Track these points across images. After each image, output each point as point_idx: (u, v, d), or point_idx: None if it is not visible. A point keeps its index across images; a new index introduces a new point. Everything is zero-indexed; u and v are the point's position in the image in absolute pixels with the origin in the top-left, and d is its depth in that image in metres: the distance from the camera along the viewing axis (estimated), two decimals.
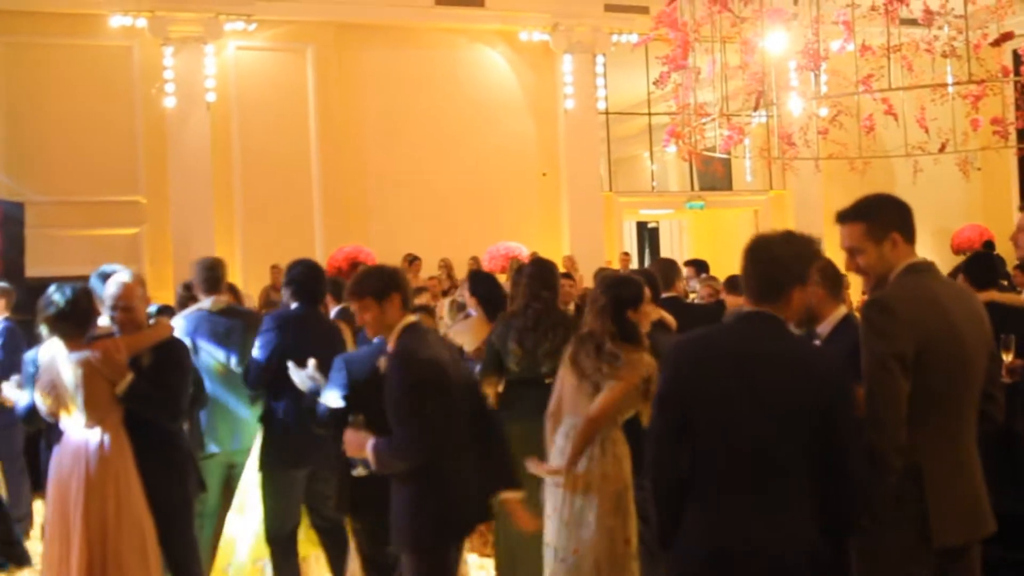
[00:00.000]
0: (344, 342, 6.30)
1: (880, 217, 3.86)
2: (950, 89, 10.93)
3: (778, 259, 3.57)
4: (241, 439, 6.52)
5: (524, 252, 16.23)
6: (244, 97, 17.86)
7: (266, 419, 6.15)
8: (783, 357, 3.50)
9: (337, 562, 6.14)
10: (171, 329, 5.77)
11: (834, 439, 3.41)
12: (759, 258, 3.61)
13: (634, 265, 19.83)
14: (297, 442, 5.94)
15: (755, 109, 11.76)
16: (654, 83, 11.97)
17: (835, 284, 4.55)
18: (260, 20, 17.67)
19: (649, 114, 20.68)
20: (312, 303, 6.32)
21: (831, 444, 3.41)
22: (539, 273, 6.56)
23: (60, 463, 5.31)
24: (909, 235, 3.85)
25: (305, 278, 6.30)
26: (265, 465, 6.14)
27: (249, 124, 17.84)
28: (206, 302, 6.74)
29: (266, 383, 6.08)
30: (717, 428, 3.48)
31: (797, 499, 3.44)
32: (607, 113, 20.16)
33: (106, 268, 6.08)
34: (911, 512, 3.60)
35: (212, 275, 6.79)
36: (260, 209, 17.64)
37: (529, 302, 6.42)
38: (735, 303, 9.04)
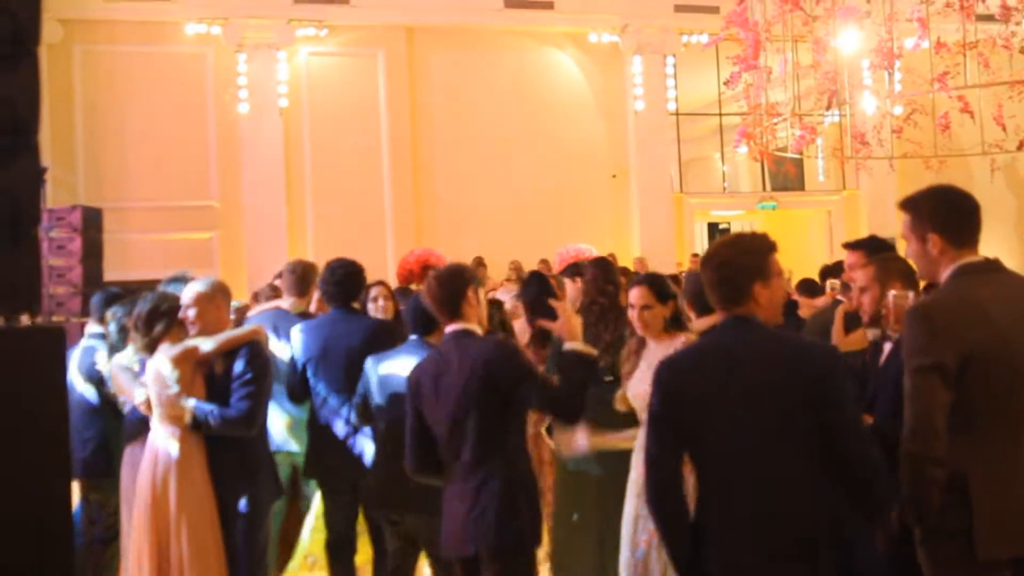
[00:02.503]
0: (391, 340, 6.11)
1: (921, 214, 3.76)
2: None
3: (727, 261, 3.56)
4: (302, 439, 6.50)
5: (594, 253, 16.17)
6: (316, 102, 18.05)
7: (310, 426, 6.20)
8: (772, 355, 3.46)
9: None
10: (253, 334, 5.53)
11: (833, 430, 3.36)
12: (710, 265, 3.60)
13: None
14: (339, 451, 5.99)
15: (828, 108, 11.65)
16: (725, 83, 11.91)
17: (911, 283, 4.46)
18: (331, 26, 17.85)
19: (720, 114, 20.54)
20: (342, 304, 6.25)
21: (831, 435, 3.36)
22: (602, 270, 6.56)
23: (139, 462, 5.38)
24: (956, 237, 3.68)
25: (328, 281, 6.29)
26: (312, 472, 6.20)
27: (320, 129, 18.01)
28: (286, 302, 6.78)
29: (300, 393, 6.17)
30: (718, 438, 3.45)
31: (809, 495, 3.39)
32: (677, 114, 20.06)
33: (177, 274, 6.16)
34: (958, 524, 3.52)
35: (302, 279, 6.80)
36: (331, 213, 17.80)
37: (595, 298, 6.41)
38: (808, 304, 8.96)
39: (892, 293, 4.27)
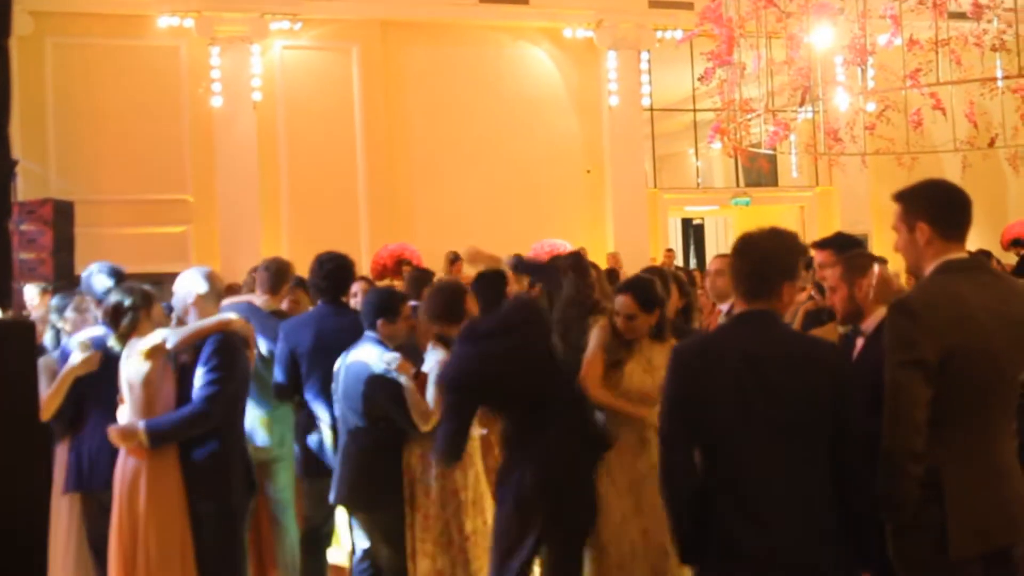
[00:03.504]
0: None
1: (913, 203, 3.78)
2: (999, 83, 10.80)
3: (767, 256, 3.61)
4: (261, 436, 6.44)
5: (568, 248, 16.20)
6: (290, 96, 17.99)
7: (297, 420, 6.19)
8: (790, 353, 3.54)
9: None
10: (220, 325, 5.36)
11: (843, 430, 3.48)
12: (747, 256, 3.65)
13: (679, 262, 19.77)
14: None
15: (801, 104, 11.68)
16: (699, 79, 11.91)
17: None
18: (306, 19, 17.78)
19: (694, 110, 20.60)
20: (331, 299, 6.21)
21: (840, 435, 3.48)
22: (578, 267, 6.56)
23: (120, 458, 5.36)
24: (945, 229, 3.71)
25: (317, 275, 6.25)
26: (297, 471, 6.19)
27: (295, 123, 17.96)
28: (258, 299, 6.71)
29: (289, 389, 6.13)
30: (730, 429, 3.51)
31: (819, 494, 3.49)
32: (652, 110, 20.09)
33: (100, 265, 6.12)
34: (932, 519, 3.55)
35: (276, 276, 6.71)
36: (306, 207, 17.75)
37: (574, 296, 6.41)
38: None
39: (877, 266, 4.34)
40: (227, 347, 5.26)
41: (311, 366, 6.01)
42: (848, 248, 5.15)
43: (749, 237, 3.69)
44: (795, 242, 3.72)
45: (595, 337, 5.38)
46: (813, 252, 5.48)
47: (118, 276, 6.20)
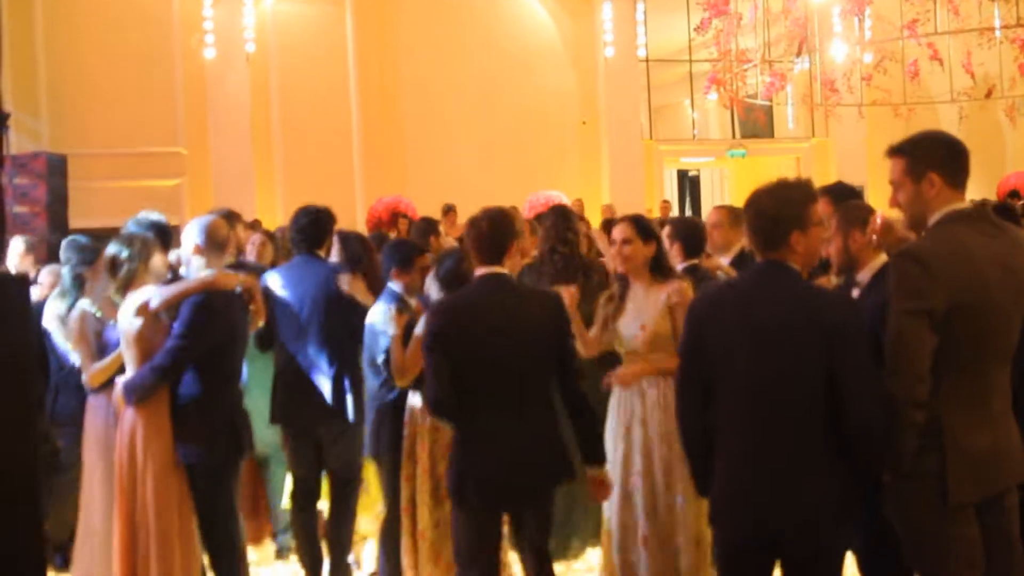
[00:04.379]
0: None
1: (921, 154, 3.77)
2: (997, 33, 10.77)
3: (767, 209, 3.71)
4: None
5: (564, 200, 16.18)
6: (284, 48, 17.87)
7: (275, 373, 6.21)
8: (791, 301, 3.63)
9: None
10: (202, 284, 5.17)
11: (843, 381, 3.52)
12: (753, 211, 3.76)
13: (675, 214, 19.74)
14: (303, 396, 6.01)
15: (797, 55, 11.64)
16: (695, 29, 11.90)
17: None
18: None
19: (690, 61, 20.49)
20: (306, 251, 6.23)
21: (840, 387, 3.53)
22: (561, 217, 6.53)
23: (102, 416, 5.34)
24: (953, 177, 3.71)
25: (292, 228, 6.23)
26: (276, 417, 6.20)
27: (289, 75, 17.85)
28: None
29: (268, 342, 6.16)
30: (732, 374, 3.64)
31: (814, 443, 3.57)
32: (647, 61, 19.99)
33: (139, 217, 6.04)
34: (931, 467, 3.58)
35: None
36: (300, 160, 17.68)
37: (555, 246, 6.39)
38: None
39: (881, 213, 4.36)
40: (201, 306, 5.11)
41: (284, 317, 6.06)
42: (845, 198, 5.13)
43: (755, 192, 3.80)
44: (799, 192, 3.77)
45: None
46: None
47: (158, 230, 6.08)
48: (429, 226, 8.58)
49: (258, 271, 6.48)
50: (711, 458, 3.74)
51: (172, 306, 5.14)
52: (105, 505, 5.35)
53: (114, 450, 5.18)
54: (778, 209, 3.68)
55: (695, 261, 5.94)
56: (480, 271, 4.45)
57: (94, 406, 5.50)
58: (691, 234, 6.05)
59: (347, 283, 5.86)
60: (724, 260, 6.40)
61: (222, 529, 5.27)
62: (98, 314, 5.56)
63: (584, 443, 4.57)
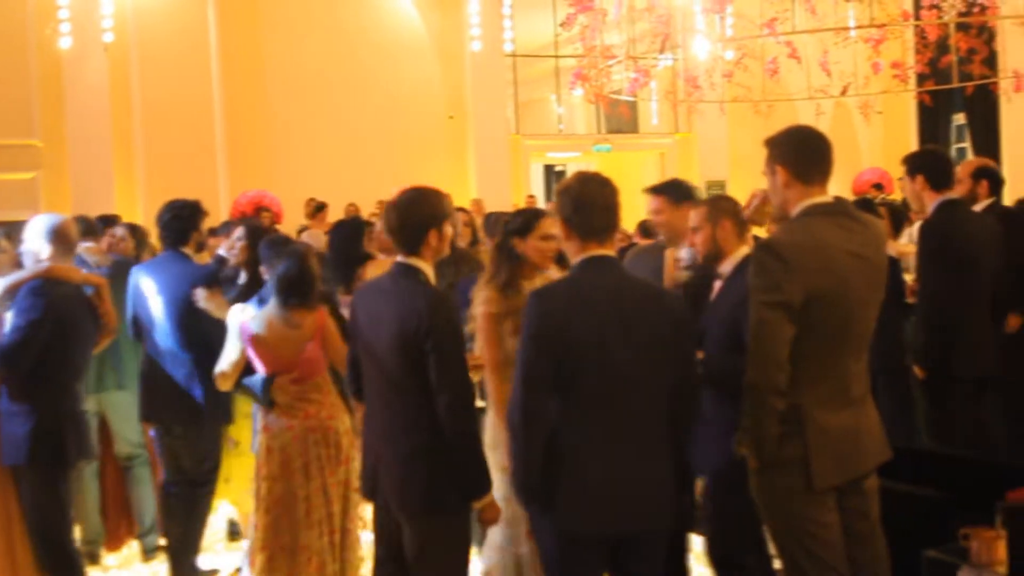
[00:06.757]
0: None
1: (772, 147, 3.90)
2: (852, 33, 11.06)
3: (600, 202, 3.81)
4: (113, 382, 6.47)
5: None
6: (144, 38, 17.40)
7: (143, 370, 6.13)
8: (642, 294, 3.75)
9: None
10: (34, 275, 5.09)
11: (682, 364, 3.74)
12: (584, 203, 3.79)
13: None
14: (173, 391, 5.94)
15: (661, 51, 11.81)
16: (561, 25, 11.95)
17: (742, 224, 4.58)
18: None
19: (556, 56, 20.63)
20: (170, 247, 6.16)
21: (678, 370, 3.72)
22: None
23: None
24: (801, 173, 3.82)
25: (157, 223, 6.21)
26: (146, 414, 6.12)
27: (150, 66, 17.40)
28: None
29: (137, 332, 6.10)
30: (592, 366, 3.61)
31: (658, 430, 3.71)
32: (514, 55, 20.07)
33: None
34: (794, 454, 3.68)
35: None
36: (162, 153, 17.25)
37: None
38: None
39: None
40: (34, 297, 5.01)
41: (147, 313, 5.97)
42: (681, 197, 5.18)
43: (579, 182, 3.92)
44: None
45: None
46: (648, 197, 5.35)
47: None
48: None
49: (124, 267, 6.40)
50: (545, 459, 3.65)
51: (10, 295, 5.02)
52: None
53: None
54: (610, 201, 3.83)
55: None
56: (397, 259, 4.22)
57: None
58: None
59: (203, 297, 5.76)
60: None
61: (52, 538, 5.14)
62: None
63: None
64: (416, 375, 3.94)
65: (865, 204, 7.64)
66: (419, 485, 3.98)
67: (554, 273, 4.88)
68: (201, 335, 5.79)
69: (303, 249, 5.33)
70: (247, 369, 5.22)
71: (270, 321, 5.16)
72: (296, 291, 5.10)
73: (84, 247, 6.43)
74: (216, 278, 6.00)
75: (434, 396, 3.91)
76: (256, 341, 5.14)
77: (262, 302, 5.31)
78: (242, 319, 5.23)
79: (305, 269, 5.13)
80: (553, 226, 4.72)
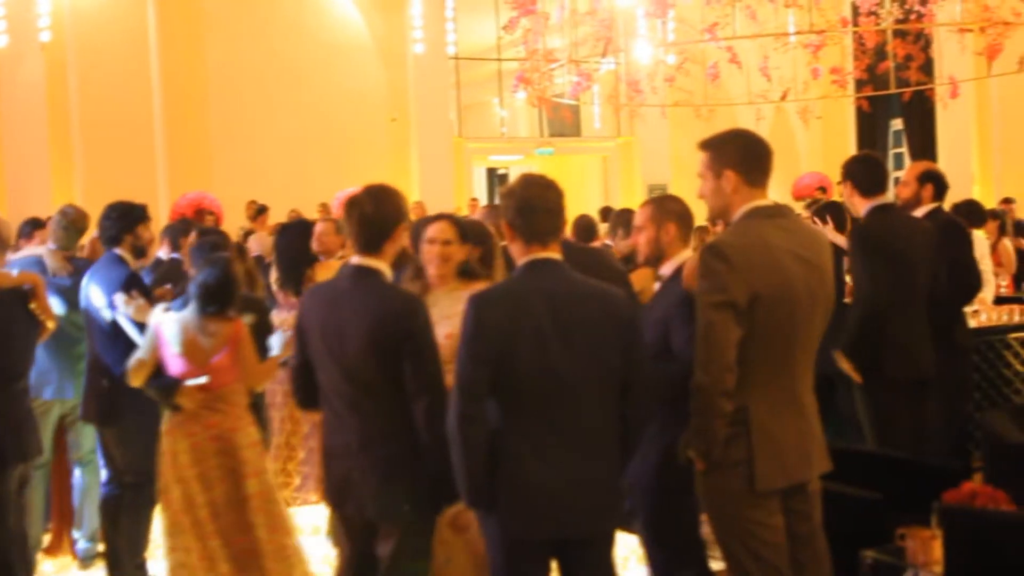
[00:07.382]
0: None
1: (719, 151, 3.92)
2: (792, 38, 11.12)
3: (544, 205, 3.80)
4: (71, 390, 6.33)
5: None
6: (82, 38, 17.18)
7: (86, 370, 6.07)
8: (586, 295, 3.72)
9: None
10: None
11: (629, 366, 3.70)
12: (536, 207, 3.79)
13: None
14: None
15: (603, 55, 11.84)
16: (503, 28, 11.93)
17: (685, 224, 4.55)
18: None
19: (499, 60, 20.64)
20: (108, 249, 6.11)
21: (625, 371, 3.70)
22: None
23: None
24: (749, 176, 3.85)
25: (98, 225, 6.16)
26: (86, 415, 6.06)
27: (88, 66, 17.19)
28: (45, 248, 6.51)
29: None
30: (530, 370, 3.61)
31: (602, 432, 3.71)
32: (457, 58, 20.06)
33: None
34: (739, 455, 3.71)
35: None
36: (100, 155, 17.04)
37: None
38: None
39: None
40: None
41: (87, 315, 5.94)
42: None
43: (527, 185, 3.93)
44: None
45: None
46: (620, 198, 5.44)
47: None
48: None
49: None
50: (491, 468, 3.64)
51: None
52: None
53: None
54: (558, 203, 3.85)
55: None
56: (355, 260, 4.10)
57: None
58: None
59: (122, 302, 5.68)
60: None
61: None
62: None
63: None
64: (391, 379, 3.87)
65: (833, 207, 7.75)
66: (400, 491, 3.93)
67: (455, 283, 4.72)
68: (117, 336, 5.73)
69: (227, 257, 5.28)
70: (160, 370, 5.19)
71: (185, 326, 5.14)
72: (214, 300, 5.09)
73: (49, 249, 6.42)
74: (137, 282, 5.88)
75: (411, 399, 3.85)
76: (168, 344, 5.11)
77: (186, 305, 5.27)
78: (159, 320, 5.20)
79: (227, 279, 5.11)
80: (443, 231, 4.68)
